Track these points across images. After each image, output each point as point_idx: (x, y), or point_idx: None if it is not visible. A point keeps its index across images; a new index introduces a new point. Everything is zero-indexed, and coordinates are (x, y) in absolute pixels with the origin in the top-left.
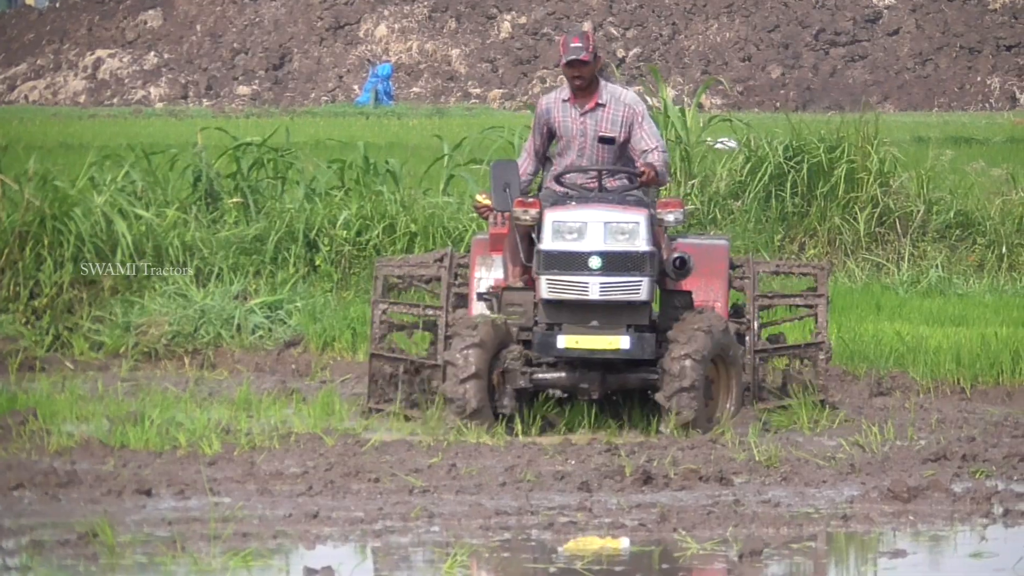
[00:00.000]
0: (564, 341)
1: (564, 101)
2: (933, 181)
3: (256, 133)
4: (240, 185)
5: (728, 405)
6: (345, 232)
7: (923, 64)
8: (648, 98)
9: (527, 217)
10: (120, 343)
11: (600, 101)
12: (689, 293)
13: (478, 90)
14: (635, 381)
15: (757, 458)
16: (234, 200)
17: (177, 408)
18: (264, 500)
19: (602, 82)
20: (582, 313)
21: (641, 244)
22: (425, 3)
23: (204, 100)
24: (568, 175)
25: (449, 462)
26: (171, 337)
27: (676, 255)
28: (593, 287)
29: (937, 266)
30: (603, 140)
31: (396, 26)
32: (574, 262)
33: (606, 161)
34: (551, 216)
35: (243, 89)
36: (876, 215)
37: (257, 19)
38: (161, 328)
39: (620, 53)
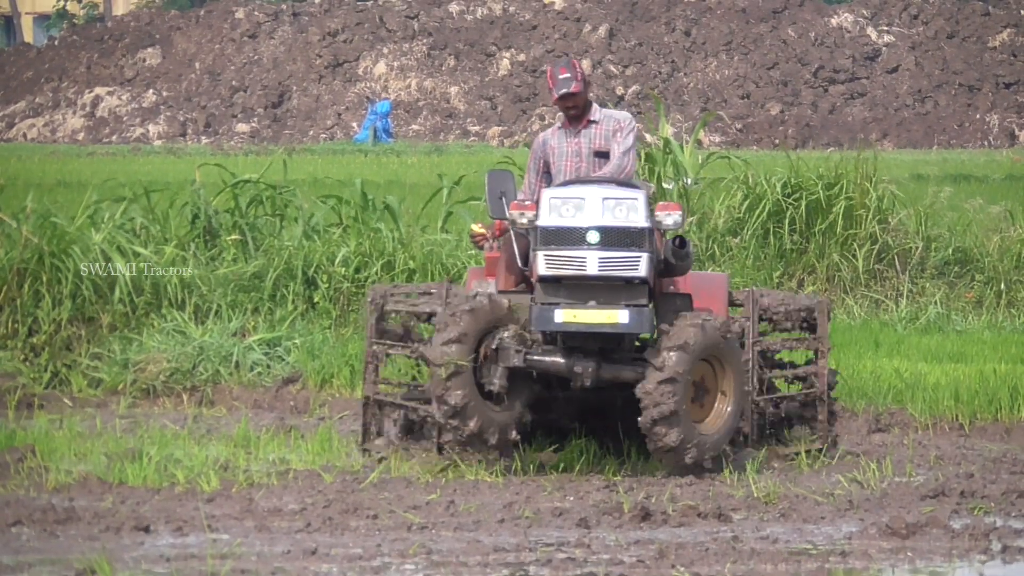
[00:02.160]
0: (562, 315)
1: (559, 129)
2: (932, 218)
3: (255, 171)
4: (238, 222)
5: (726, 407)
6: (344, 269)
7: (922, 102)
8: (648, 135)
9: (524, 220)
10: (118, 380)
11: (592, 118)
12: (688, 296)
13: (477, 127)
14: (629, 373)
15: (755, 494)
16: (232, 237)
17: (175, 445)
18: (262, 537)
19: (594, 104)
20: (580, 292)
21: (639, 220)
22: (424, 41)
23: (203, 138)
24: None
25: (447, 499)
26: (169, 374)
27: (676, 236)
28: (592, 262)
29: (936, 303)
30: (598, 155)
31: (395, 64)
32: (571, 237)
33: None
34: (548, 193)
35: (242, 127)
36: (875, 252)
37: (256, 57)
38: (159, 365)
39: (619, 91)
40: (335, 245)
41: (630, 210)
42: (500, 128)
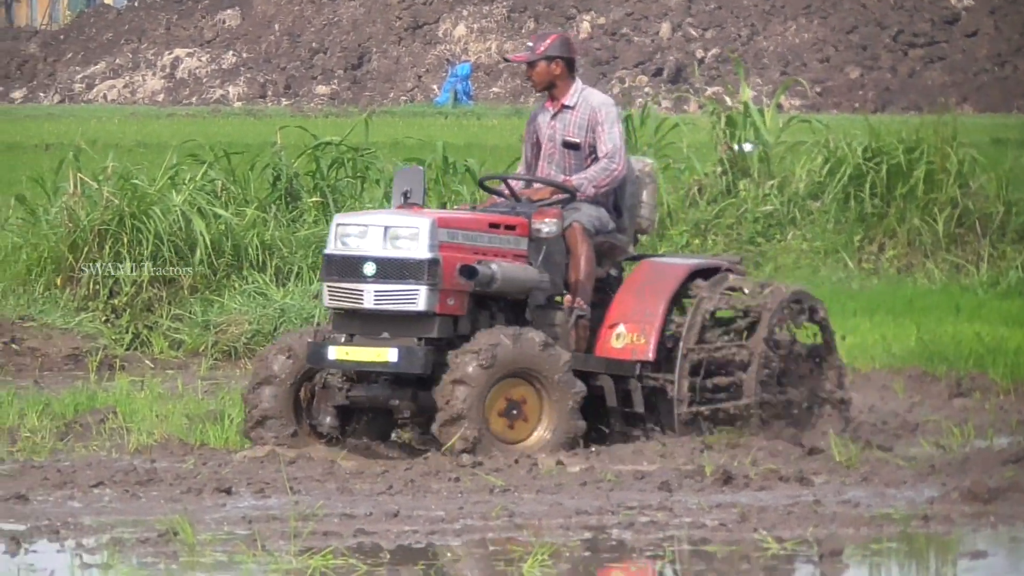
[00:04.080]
0: (335, 352)
1: (544, 106)
2: (1012, 183)
3: (335, 133)
4: (319, 184)
5: (544, 432)
6: None
7: (1001, 65)
8: (728, 97)
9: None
10: (199, 342)
11: (567, 103)
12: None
13: None
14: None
15: (837, 459)
16: (314, 199)
17: None
18: (344, 499)
19: (576, 84)
20: (372, 324)
21: (420, 251)
22: (504, 3)
23: (283, 100)
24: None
25: (530, 462)
26: (251, 336)
27: (464, 264)
28: (368, 295)
29: (1017, 267)
30: (567, 145)
31: (475, 26)
32: (350, 268)
33: (572, 168)
34: (336, 219)
35: (322, 89)
36: (955, 216)
37: (335, 19)
38: (241, 327)
39: (699, 54)
40: None
41: (410, 240)
42: None
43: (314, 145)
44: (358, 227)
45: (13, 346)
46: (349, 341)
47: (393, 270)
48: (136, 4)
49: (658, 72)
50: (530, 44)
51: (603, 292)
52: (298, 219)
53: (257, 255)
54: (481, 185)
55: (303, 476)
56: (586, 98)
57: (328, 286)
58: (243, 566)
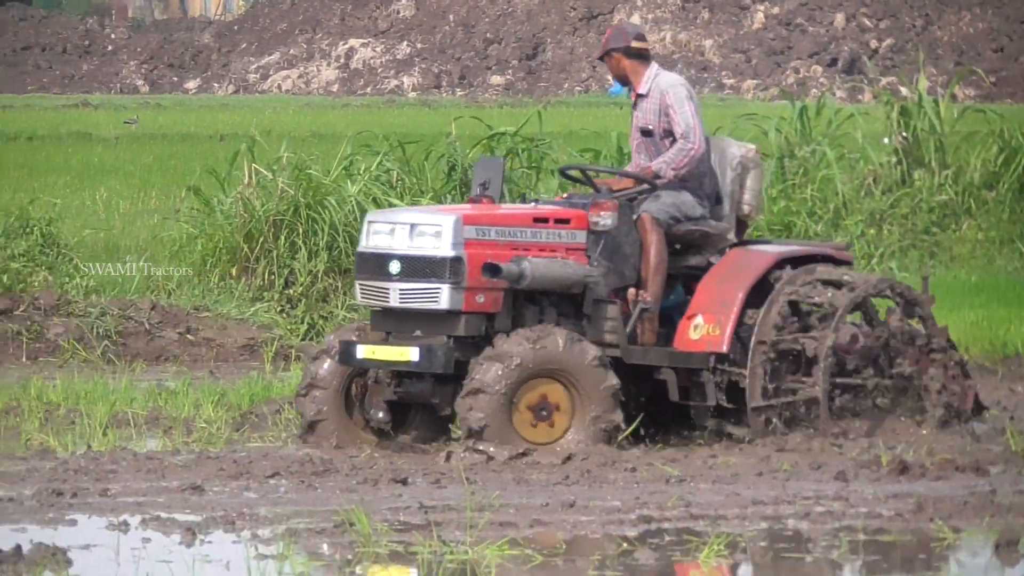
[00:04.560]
0: (362, 351)
1: (631, 98)
2: None
3: (509, 123)
4: None
5: (578, 430)
6: None
7: None
8: (902, 88)
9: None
10: None
11: (641, 91)
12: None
13: (731, 80)
14: None
15: (1014, 448)
16: None
17: None
18: (520, 489)
19: (650, 71)
20: (406, 322)
21: (443, 249)
22: None
23: (457, 90)
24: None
25: (708, 452)
26: None
27: (488, 262)
28: (394, 293)
29: None
30: (644, 133)
31: (649, 16)
32: (378, 265)
33: (655, 155)
34: (368, 216)
35: (496, 79)
36: None
37: (510, 9)
38: None
39: (873, 44)
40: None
41: (434, 238)
42: (754, 81)
43: (488, 135)
44: (387, 224)
45: (188, 337)
46: (384, 339)
47: (417, 268)
48: None
49: (832, 62)
50: (603, 38)
51: (698, 282)
52: None
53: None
54: (563, 174)
55: (478, 466)
56: (657, 83)
57: (359, 284)
58: (419, 556)
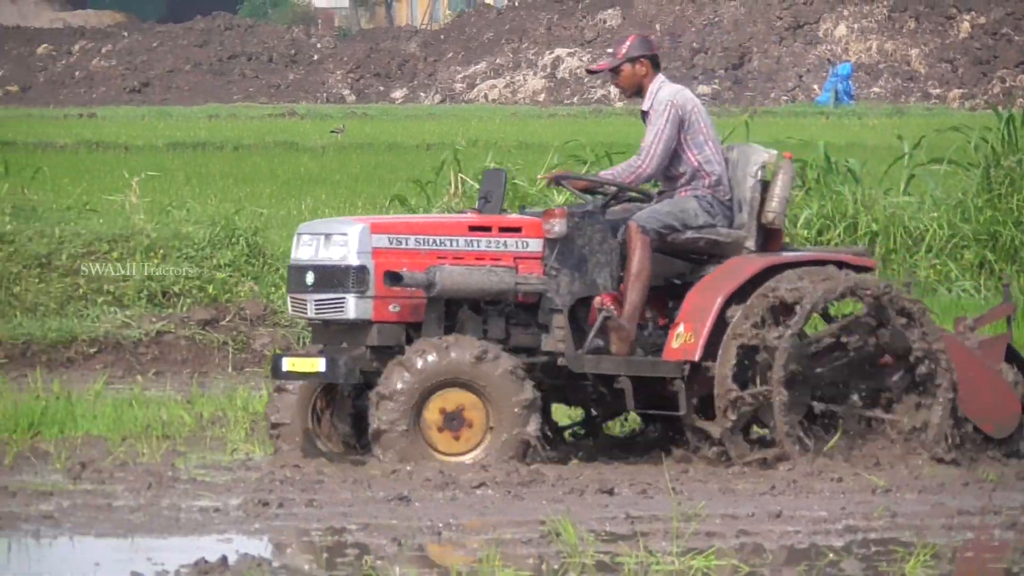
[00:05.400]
0: (286, 364)
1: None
2: None
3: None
4: None
5: (492, 443)
6: (806, 232)
7: None
8: None
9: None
10: None
11: (644, 107)
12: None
13: (938, 90)
14: None
15: None
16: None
17: None
18: (727, 499)
19: (655, 83)
20: (340, 335)
21: (349, 258)
22: (885, 3)
23: None
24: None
25: (915, 462)
26: None
27: (387, 271)
28: (310, 305)
29: None
30: None
31: (855, 26)
32: (299, 278)
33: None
34: (299, 228)
35: (703, 88)
36: None
37: (716, 18)
38: None
39: None
40: (798, 207)
41: (341, 247)
42: (960, 91)
43: None
44: (308, 235)
45: None
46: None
47: (326, 278)
48: (517, 4)
49: None
50: (610, 51)
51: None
52: None
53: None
54: (557, 182)
55: (686, 477)
56: (657, 98)
57: (288, 297)
58: (625, 566)
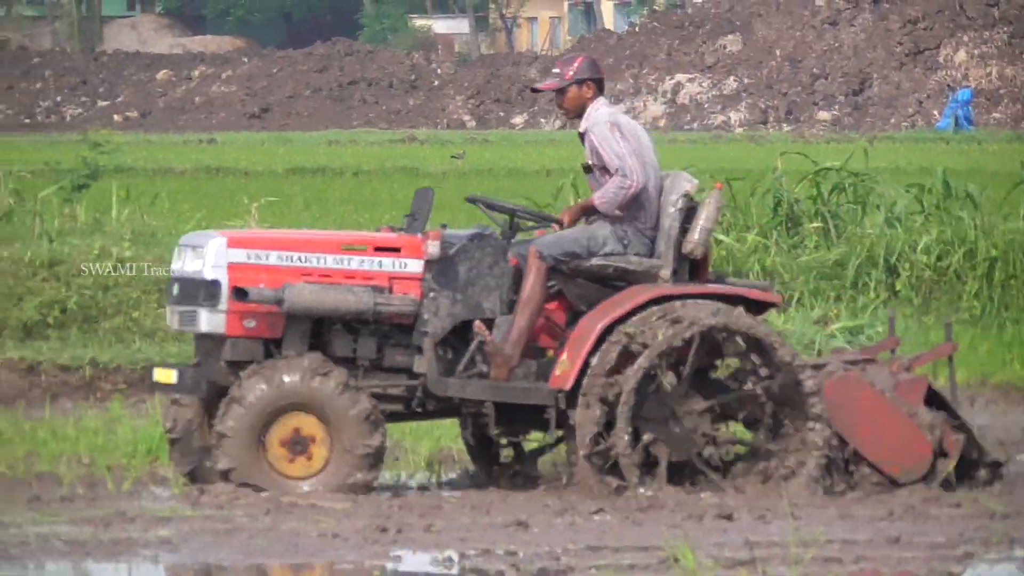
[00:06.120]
0: (156, 374)
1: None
2: None
3: (836, 158)
4: (820, 210)
5: (331, 469)
6: (925, 257)
7: None
8: None
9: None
10: None
11: (581, 129)
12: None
13: None
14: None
15: None
16: (814, 225)
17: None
18: (845, 525)
19: (593, 105)
20: (215, 349)
21: (204, 271)
22: (1005, 28)
23: (784, 125)
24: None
25: None
26: None
27: (235, 286)
28: (173, 316)
29: None
30: (586, 168)
31: (976, 52)
32: (168, 288)
33: (592, 191)
34: (180, 239)
35: (823, 114)
36: None
37: (836, 44)
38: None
39: None
40: (917, 233)
41: (198, 260)
42: None
43: (815, 171)
44: (181, 247)
45: None
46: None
47: (184, 291)
48: (637, 29)
49: None
50: (556, 71)
51: None
52: (799, 245)
53: (758, 280)
54: (472, 201)
55: (802, 503)
56: (593, 119)
57: (167, 308)
58: None
